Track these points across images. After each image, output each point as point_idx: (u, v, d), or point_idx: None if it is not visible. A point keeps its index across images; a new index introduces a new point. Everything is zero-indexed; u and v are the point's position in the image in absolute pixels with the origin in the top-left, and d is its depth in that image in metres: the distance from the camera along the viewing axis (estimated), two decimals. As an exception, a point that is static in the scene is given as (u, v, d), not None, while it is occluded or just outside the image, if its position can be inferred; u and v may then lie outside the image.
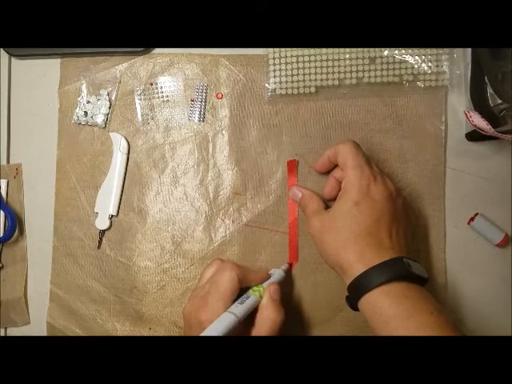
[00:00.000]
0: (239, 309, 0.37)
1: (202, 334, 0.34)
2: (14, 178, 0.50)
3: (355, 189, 0.40)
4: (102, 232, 0.49)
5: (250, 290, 0.40)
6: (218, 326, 0.35)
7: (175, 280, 0.49)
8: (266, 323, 0.38)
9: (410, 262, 0.37)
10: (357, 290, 0.37)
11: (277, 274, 0.44)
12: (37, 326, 0.50)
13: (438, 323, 0.34)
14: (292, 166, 0.48)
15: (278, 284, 0.42)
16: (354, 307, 0.38)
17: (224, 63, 0.49)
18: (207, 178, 0.49)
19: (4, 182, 0.50)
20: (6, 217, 0.49)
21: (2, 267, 0.50)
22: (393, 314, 0.35)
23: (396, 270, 0.36)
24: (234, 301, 0.38)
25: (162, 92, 0.49)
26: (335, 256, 0.39)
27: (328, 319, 0.47)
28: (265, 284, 0.41)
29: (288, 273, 0.47)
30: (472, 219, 0.47)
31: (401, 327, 0.34)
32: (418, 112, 0.48)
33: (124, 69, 0.50)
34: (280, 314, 0.39)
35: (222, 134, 0.49)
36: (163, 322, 0.49)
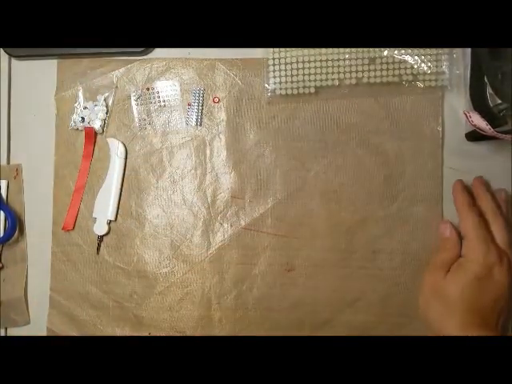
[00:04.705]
0: None
1: None
2: (14, 178, 0.50)
3: (479, 264, 0.39)
4: (101, 237, 0.49)
5: None
6: None
7: (174, 285, 0.48)
8: None
9: None
10: None
11: None
12: (37, 326, 0.50)
13: None
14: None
15: None
16: None
17: (220, 67, 0.49)
18: (205, 182, 0.48)
19: (4, 183, 0.50)
20: (6, 217, 0.49)
21: (2, 267, 0.50)
22: None
23: None
24: None
25: (159, 97, 0.49)
26: (438, 322, 0.39)
27: (328, 321, 0.47)
28: None
29: None
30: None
31: None
32: (417, 112, 0.47)
33: (120, 74, 0.49)
34: None
35: (220, 138, 0.49)
36: (163, 326, 0.48)
